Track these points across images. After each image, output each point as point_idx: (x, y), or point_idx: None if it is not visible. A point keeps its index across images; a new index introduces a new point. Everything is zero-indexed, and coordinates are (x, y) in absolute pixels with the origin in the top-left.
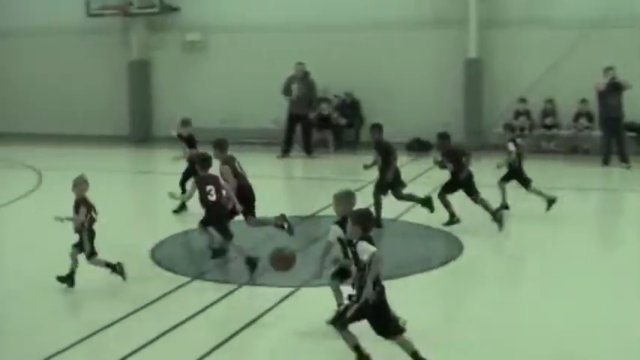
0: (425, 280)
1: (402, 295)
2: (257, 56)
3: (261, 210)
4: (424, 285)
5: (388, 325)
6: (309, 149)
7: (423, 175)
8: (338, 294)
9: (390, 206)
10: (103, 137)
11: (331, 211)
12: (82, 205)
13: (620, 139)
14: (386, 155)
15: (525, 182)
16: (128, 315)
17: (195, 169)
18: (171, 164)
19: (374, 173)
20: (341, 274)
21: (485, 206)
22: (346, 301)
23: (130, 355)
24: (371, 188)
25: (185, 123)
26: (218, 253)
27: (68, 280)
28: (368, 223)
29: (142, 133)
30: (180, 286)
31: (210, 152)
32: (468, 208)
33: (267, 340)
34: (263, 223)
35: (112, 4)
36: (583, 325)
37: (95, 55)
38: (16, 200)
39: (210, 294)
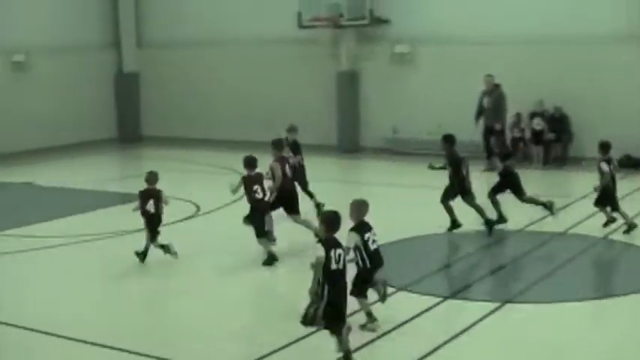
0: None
1: None
2: (465, 68)
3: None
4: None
5: (327, 320)
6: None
7: (631, 194)
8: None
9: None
10: (310, 147)
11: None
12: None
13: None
14: (456, 166)
15: (615, 204)
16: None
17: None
18: (376, 175)
19: (582, 189)
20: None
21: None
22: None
23: None
24: (581, 203)
25: (291, 129)
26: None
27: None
28: (332, 224)
29: (349, 143)
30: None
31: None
32: None
33: (472, 354)
34: (307, 224)
35: (324, 16)
36: None
37: (305, 66)
38: (231, 203)
39: (415, 305)
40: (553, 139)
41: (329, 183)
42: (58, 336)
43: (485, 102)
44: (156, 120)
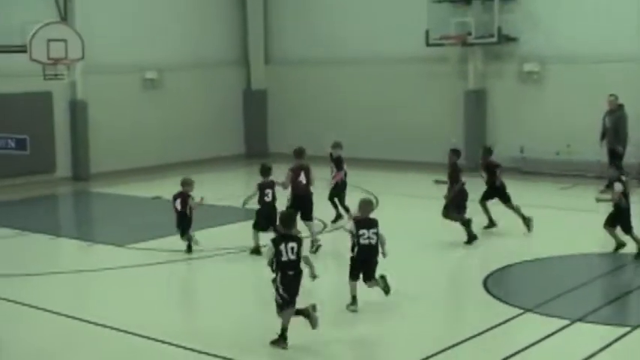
0: None
1: None
2: (593, 87)
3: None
4: None
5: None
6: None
7: None
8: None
9: None
10: (435, 164)
11: None
12: None
13: None
14: (456, 176)
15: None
16: (456, 344)
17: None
18: None
19: None
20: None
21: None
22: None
23: None
24: None
25: (336, 145)
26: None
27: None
28: (286, 222)
29: (476, 162)
30: (511, 318)
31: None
32: None
33: None
34: (312, 229)
35: (452, 34)
36: None
37: (432, 84)
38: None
39: (541, 328)
40: None
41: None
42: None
43: (607, 122)
44: (282, 136)
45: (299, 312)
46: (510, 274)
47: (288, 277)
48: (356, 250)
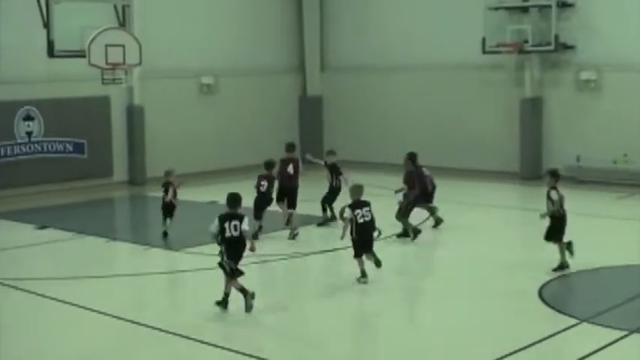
0: None
1: None
2: None
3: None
4: None
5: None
6: None
7: None
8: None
9: None
10: (490, 172)
11: None
12: None
13: None
14: (412, 183)
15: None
16: (512, 353)
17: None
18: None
19: None
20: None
21: None
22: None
23: None
24: None
25: (330, 153)
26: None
27: None
28: (231, 203)
29: (531, 171)
30: (567, 328)
31: None
32: None
33: None
34: (293, 218)
35: (508, 41)
36: None
37: (488, 91)
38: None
39: (597, 339)
40: None
41: (508, 210)
42: None
43: None
44: (337, 142)
45: (242, 290)
46: (566, 284)
47: (231, 249)
48: (355, 230)
